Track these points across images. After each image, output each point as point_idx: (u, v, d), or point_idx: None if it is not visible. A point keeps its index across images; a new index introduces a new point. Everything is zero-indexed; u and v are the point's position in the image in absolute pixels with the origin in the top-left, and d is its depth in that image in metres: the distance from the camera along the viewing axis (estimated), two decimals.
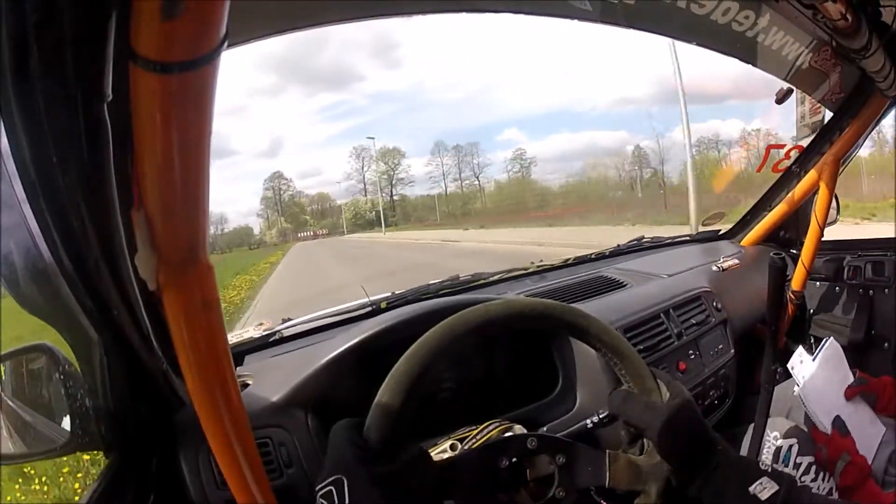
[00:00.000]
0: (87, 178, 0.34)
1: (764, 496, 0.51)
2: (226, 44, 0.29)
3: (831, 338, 1.03)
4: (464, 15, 0.82)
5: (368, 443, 0.48)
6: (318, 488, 0.45)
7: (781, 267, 0.88)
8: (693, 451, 0.55)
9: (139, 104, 0.30)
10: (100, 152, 0.33)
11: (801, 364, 0.99)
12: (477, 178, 35.03)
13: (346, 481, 0.44)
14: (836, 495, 0.89)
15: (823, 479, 0.91)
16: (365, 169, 41.94)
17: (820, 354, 1.00)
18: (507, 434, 0.61)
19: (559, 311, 0.59)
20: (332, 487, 0.45)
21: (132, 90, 0.29)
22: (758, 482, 0.52)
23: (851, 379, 1.01)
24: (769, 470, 0.54)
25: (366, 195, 41.62)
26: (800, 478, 0.91)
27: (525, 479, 0.55)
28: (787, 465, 0.92)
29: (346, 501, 0.44)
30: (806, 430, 0.98)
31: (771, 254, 0.89)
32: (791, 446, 0.93)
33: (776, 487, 0.52)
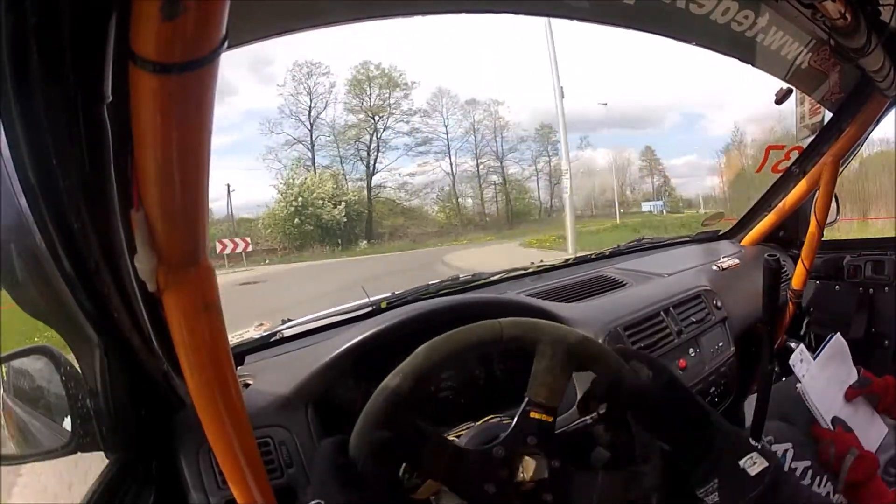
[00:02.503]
0: (87, 179, 0.34)
1: (754, 471, 0.51)
2: (225, 45, 0.29)
3: (837, 334, 1.03)
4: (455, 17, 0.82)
5: (353, 466, 0.48)
6: None
7: (776, 268, 0.87)
8: (688, 427, 0.55)
9: (139, 105, 0.30)
10: (100, 153, 0.34)
11: (802, 363, 0.99)
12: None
13: None
14: (836, 497, 0.88)
15: (820, 484, 0.90)
16: (448, 121, 20.58)
17: (822, 352, 1.00)
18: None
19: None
20: None
21: (132, 91, 0.29)
22: (748, 457, 0.52)
23: (855, 376, 1.00)
24: (759, 447, 0.54)
25: (454, 185, 21.01)
26: None
27: (515, 469, 0.55)
28: None
29: None
30: (802, 433, 0.97)
31: (765, 255, 0.89)
32: (786, 451, 0.92)
33: (766, 464, 0.51)
